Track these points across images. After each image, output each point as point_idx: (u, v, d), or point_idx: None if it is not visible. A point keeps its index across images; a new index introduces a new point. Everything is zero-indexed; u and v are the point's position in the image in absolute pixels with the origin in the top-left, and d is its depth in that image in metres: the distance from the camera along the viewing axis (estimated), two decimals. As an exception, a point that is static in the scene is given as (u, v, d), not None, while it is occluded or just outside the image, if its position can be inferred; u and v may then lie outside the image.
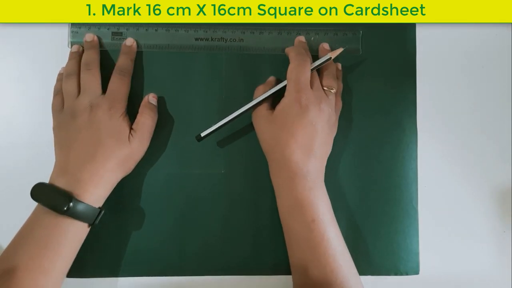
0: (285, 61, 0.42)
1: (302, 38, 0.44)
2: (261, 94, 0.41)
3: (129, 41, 0.43)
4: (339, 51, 0.42)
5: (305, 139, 0.39)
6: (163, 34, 0.44)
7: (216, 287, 0.43)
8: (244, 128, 0.44)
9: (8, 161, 0.44)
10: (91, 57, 0.42)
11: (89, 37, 0.43)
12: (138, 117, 0.42)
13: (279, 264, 0.43)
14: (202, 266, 0.43)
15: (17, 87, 0.44)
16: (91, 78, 0.41)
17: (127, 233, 0.43)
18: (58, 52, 0.44)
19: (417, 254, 0.44)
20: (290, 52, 0.41)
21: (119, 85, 0.41)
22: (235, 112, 0.41)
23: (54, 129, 0.41)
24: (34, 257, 0.35)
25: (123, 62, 0.42)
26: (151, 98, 0.43)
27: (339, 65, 0.44)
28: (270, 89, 0.41)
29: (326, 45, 0.44)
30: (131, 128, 0.41)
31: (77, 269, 0.43)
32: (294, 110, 0.39)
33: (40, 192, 0.37)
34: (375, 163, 0.44)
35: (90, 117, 0.39)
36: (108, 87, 0.41)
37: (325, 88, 0.41)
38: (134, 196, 0.43)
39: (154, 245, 0.43)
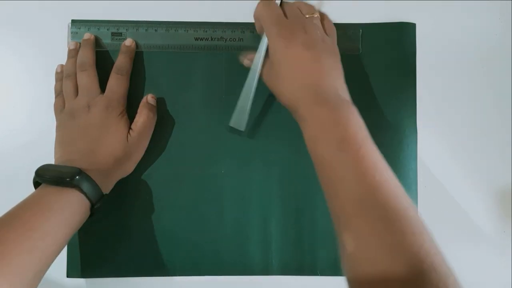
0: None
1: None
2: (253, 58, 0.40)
3: (128, 42, 0.43)
4: None
5: (307, 64, 0.36)
6: (163, 34, 0.44)
7: (217, 287, 0.44)
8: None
9: (9, 163, 0.44)
10: (85, 57, 0.42)
11: (86, 35, 0.43)
12: (137, 117, 0.42)
13: (280, 263, 0.43)
14: (202, 266, 0.43)
15: (18, 86, 0.44)
16: (87, 79, 0.41)
17: (126, 233, 0.43)
18: (59, 51, 0.44)
19: (417, 254, 0.44)
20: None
21: (117, 84, 0.41)
22: (249, 90, 0.40)
23: (56, 128, 0.41)
24: (30, 217, 0.33)
25: (122, 62, 0.42)
26: (150, 99, 0.43)
27: (326, 17, 0.42)
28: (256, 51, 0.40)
29: None
30: (130, 128, 0.41)
31: (77, 269, 0.43)
32: (281, 45, 0.37)
33: (46, 169, 0.36)
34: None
35: (88, 117, 0.39)
36: (107, 86, 0.41)
37: (306, 16, 0.39)
38: (134, 196, 0.43)
39: (154, 245, 0.43)
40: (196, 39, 0.44)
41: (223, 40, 0.44)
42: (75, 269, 0.43)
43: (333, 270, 0.43)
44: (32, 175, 0.37)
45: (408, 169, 0.44)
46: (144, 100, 0.43)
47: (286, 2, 0.40)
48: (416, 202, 0.44)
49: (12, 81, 0.44)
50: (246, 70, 0.44)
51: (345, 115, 0.34)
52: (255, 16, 0.40)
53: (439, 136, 0.45)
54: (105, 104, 0.40)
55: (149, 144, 0.43)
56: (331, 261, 0.43)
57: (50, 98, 0.43)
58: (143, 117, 0.41)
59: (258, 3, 0.40)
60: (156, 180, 0.43)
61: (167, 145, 0.44)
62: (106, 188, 0.39)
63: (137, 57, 0.44)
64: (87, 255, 0.43)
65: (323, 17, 0.42)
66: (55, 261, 0.42)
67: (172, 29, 0.44)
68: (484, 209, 0.45)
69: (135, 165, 0.42)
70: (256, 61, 0.40)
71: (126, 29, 0.44)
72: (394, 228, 0.29)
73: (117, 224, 0.43)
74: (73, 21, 0.44)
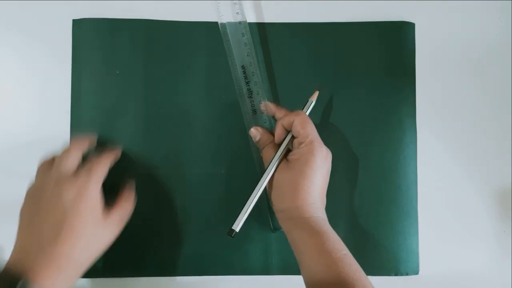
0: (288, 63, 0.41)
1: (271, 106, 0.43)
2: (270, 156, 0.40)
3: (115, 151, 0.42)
4: (316, 94, 0.42)
5: (323, 187, 0.39)
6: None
7: (216, 287, 0.44)
8: (244, 129, 0.44)
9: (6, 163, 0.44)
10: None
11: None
12: (121, 202, 0.40)
13: (280, 264, 0.43)
14: (202, 266, 0.43)
15: (18, 87, 0.44)
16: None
17: (126, 233, 0.43)
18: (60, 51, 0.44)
19: (416, 254, 0.44)
20: (284, 117, 0.41)
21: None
22: (256, 193, 0.40)
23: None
24: None
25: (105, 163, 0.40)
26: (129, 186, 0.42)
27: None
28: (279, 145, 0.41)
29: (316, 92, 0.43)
30: (108, 206, 0.39)
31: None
32: (323, 155, 0.39)
33: None
34: (375, 163, 0.44)
35: (54, 192, 0.37)
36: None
37: None
38: (134, 197, 0.43)
39: (154, 245, 0.43)
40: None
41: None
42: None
43: (333, 270, 0.43)
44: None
45: (408, 169, 0.44)
46: (125, 185, 0.42)
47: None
48: (416, 202, 0.44)
49: (12, 81, 0.44)
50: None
51: (324, 230, 0.37)
52: (299, 121, 0.40)
53: (439, 136, 0.45)
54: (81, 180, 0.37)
55: (149, 145, 0.43)
56: (331, 261, 0.43)
57: (50, 98, 0.43)
58: (128, 202, 0.41)
59: (299, 118, 0.39)
60: (156, 180, 0.43)
61: (167, 145, 0.44)
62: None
63: (138, 57, 0.44)
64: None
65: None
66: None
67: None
68: (484, 209, 0.45)
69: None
70: (277, 158, 0.40)
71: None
72: None
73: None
74: (74, 21, 0.44)
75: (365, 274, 0.36)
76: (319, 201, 0.39)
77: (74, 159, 0.39)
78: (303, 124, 0.39)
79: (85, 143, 0.41)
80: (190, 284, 0.44)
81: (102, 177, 0.38)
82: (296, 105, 0.44)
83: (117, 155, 0.42)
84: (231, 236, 0.38)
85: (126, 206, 0.40)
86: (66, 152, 0.39)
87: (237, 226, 0.39)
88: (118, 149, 0.43)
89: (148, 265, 0.43)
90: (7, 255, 0.35)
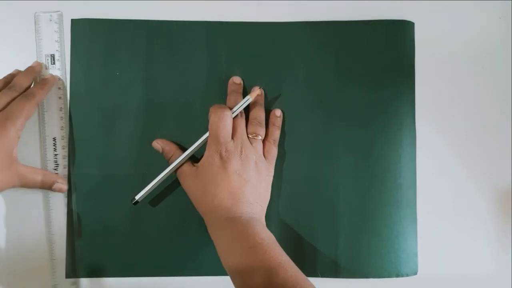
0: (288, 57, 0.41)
1: (237, 79, 0.43)
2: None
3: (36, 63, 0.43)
4: (255, 91, 0.42)
5: (233, 187, 0.39)
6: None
7: (217, 287, 0.44)
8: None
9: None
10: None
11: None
12: (40, 171, 0.42)
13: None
14: (202, 266, 0.43)
15: None
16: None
17: (126, 233, 0.43)
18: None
19: (415, 255, 0.44)
20: (212, 107, 0.41)
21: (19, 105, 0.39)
22: (164, 172, 0.41)
23: None
24: None
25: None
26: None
27: (278, 112, 0.44)
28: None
29: (256, 89, 0.43)
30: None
31: (76, 270, 0.43)
32: (216, 163, 0.39)
33: None
34: (374, 164, 0.44)
35: None
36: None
37: (249, 136, 0.41)
38: (131, 196, 0.43)
39: (154, 245, 0.43)
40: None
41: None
42: (74, 270, 0.43)
43: (334, 271, 0.43)
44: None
45: (408, 169, 0.44)
46: None
47: (239, 118, 0.41)
48: (416, 202, 0.44)
49: None
50: (246, 70, 0.44)
51: (252, 230, 0.37)
52: (211, 122, 0.40)
53: (438, 136, 0.45)
54: None
55: (148, 145, 0.43)
56: (332, 263, 0.43)
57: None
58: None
59: (214, 116, 0.40)
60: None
61: (167, 145, 0.44)
62: None
63: (138, 59, 0.44)
64: (86, 256, 0.43)
65: (267, 140, 0.42)
66: (55, 261, 0.42)
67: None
68: (484, 209, 0.45)
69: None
70: (187, 153, 0.41)
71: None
72: None
73: (118, 224, 0.43)
74: (73, 21, 0.44)
75: (291, 261, 0.36)
76: (231, 199, 0.39)
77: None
78: (211, 124, 0.39)
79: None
80: (189, 284, 0.44)
81: (24, 117, 0.39)
82: (296, 104, 0.44)
83: (49, 84, 0.42)
84: (134, 204, 0.40)
85: (35, 175, 0.40)
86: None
87: (139, 196, 0.41)
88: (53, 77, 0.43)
89: (148, 265, 0.43)
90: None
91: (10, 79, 0.41)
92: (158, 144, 0.42)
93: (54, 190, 0.42)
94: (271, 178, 0.42)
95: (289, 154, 0.44)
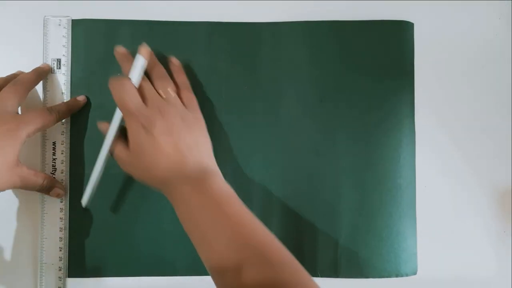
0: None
1: (120, 48, 0.41)
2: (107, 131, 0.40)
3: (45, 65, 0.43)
4: (143, 47, 0.39)
5: (169, 150, 0.37)
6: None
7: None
8: (232, 127, 0.44)
9: None
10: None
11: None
12: (39, 173, 0.41)
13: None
14: (202, 266, 0.43)
15: None
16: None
17: (127, 233, 0.43)
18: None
19: (415, 254, 0.44)
20: (109, 84, 0.38)
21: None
22: (97, 164, 0.40)
23: None
24: None
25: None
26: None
27: (173, 59, 0.42)
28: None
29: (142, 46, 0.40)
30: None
31: (79, 269, 0.43)
32: (142, 136, 0.37)
33: None
34: (374, 164, 0.44)
35: None
36: None
37: (161, 94, 0.39)
38: (134, 196, 0.43)
39: (154, 245, 0.43)
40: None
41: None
42: (77, 269, 0.43)
43: (333, 271, 0.43)
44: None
45: (408, 169, 0.44)
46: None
47: (143, 82, 0.39)
48: (415, 202, 0.44)
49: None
50: (246, 69, 0.44)
51: (209, 185, 0.36)
52: (115, 99, 0.38)
53: (437, 136, 0.45)
54: None
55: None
56: (332, 263, 0.43)
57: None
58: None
59: (112, 87, 0.38)
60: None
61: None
62: None
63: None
64: (88, 255, 0.43)
65: (180, 89, 0.41)
66: (56, 261, 0.42)
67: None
68: (484, 209, 0.45)
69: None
70: (109, 136, 0.39)
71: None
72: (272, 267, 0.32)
73: (117, 224, 0.43)
74: (73, 21, 0.44)
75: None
76: (174, 162, 0.37)
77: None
78: (114, 97, 0.38)
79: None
80: (189, 284, 0.44)
81: (36, 128, 0.39)
82: (296, 104, 0.44)
83: (79, 104, 0.42)
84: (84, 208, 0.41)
85: (36, 178, 0.40)
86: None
87: (84, 201, 0.41)
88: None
89: (147, 265, 0.43)
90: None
91: (12, 79, 0.41)
92: (102, 127, 0.41)
93: (52, 195, 0.42)
94: (203, 123, 0.41)
95: (289, 154, 0.44)
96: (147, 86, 0.39)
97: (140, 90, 0.38)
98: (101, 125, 0.41)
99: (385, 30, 0.45)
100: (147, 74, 0.40)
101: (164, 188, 0.38)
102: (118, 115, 0.39)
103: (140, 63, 0.38)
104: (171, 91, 0.40)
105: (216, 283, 0.34)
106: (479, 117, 0.45)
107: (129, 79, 0.38)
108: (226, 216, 0.34)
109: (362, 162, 0.44)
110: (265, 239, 0.34)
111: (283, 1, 0.45)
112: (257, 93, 0.44)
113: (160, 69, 0.41)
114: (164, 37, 0.44)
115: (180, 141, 0.37)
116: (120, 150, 0.39)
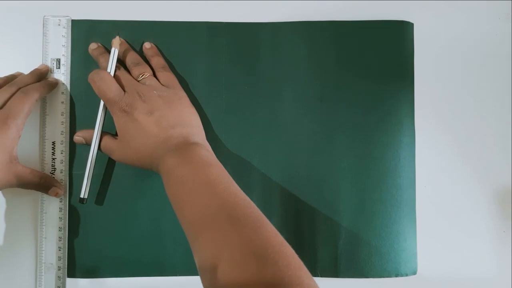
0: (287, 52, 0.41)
1: (93, 45, 0.43)
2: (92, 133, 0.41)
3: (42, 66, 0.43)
4: (115, 40, 0.41)
5: (152, 128, 0.38)
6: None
7: None
8: (233, 127, 0.44)
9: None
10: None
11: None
12: (40, 173, 0.41)
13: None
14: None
15: None
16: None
17: (127, 233, 0.43)
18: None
19: (415, 254, 0.44)
20: (88, 79, 0.40)
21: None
22: (89, 160, 0.41)
23: None
24: None
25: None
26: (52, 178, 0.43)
27: (147, 44, 0.43)
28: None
29: (115, 39, 0.42)
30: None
31: (79, 269, 0.43)
32: (125, 121, 0.39)
33: None
34: (374, 164, 0.44)
35: None
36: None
37: (138, 80, 0.41)
38: (134, 196, 0.43)
39: (154, 245, 0.43)
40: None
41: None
42: (77, 269, 0.43)
43: (334, 271, 0.43)
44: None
45: (407, 169, 0.44)
46: None
47: (118, 71, 0.41)
48: (415, 202, 0.44)
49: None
50: (246, 69, 0.44)
51: (191, 155, 0.36)
52: (95, 91, 0.40)
53: (437, 136, 0.45)
54: None
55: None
56: (332, 263, 0.43)
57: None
58: None
59: (90, 80, 0.40)
60: (156, 180, 0.43)
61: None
62: None
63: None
64: (88, 255, 0.43)
65: (157, 70, 0.42)
66: (55, 261, 0.42)
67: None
68: (483, 209, 0.45)
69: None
70: (97, 131, 0.41)
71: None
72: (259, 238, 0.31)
73: (117, 224, 0.43)
74: (73, 22, 0.44)
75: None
76: (160, 140, 0.38)
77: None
78: (95, 88, 0.39)
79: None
80: (189, 284, 0.43)
81: (24, 115, 0.39)
82: (296, 104, 0.44)
83: (50, 86, 0.42)
84: (83, 203, 0.41)
85: (32, 177, 0.40)
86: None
87: (84, 193, 0.41)
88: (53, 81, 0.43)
89: (147, 265, 0.43)
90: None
91: (11, 79, 0.41)
92: (79, 137, 0.42)
93: (50, 194, 0.42)
94: (185, 98, 0.42)
95: (289, 154, 0.44)
96: (123, 74, 0.41)
97: (117, 79, 0.40)
98: (81, 134, 0.42)
99: (385, 30, 0.45)
100: (124, 65, 0.43)
101: (154, 166, 0.38)
102: (102, 107, 0.41)
103: (115, 54, 0.41)
104: (147, 73, 0.41)
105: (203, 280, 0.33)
106: (479, 117, 0.45)
107: (106, 71, 0.40)
108: (212, 182, 0.34)
109: (362, 162, 0.44)
110: (240, 200, 0.34)
111: (283, 1, 0.45)
112: (257, 93, 0.44)
113: (133, 56, 0.42)
114: (164, 37, 0.44)
115: (162, 118, 0.38)
116: (106, 141, 0.41)
